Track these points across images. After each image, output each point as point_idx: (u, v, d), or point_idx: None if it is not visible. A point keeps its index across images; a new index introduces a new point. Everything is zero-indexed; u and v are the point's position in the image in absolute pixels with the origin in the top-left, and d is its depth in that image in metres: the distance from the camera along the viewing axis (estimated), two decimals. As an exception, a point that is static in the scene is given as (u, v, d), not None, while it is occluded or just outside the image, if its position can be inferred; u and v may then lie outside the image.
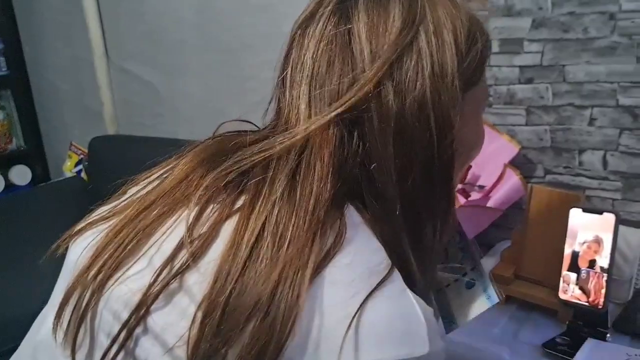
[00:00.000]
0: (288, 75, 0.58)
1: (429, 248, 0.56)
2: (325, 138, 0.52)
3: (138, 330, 0.50)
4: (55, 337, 0.55)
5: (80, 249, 0.57)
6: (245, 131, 0.60)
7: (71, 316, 0.54)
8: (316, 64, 0.55)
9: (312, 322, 0.45)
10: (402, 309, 0.47)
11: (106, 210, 0.60)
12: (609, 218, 0.87)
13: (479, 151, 0.64)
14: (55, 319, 0.55)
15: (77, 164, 2.05)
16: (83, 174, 2.02)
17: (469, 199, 1.09)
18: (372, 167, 0.52)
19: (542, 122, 1.19)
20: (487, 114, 1.24)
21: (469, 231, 1.12)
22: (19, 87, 2.29)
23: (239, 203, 0.53)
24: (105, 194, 0.63)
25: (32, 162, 2.34)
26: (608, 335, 0.89)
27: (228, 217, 0.52)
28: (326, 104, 0.54)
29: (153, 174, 0.61)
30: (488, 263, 1.12)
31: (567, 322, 0.93)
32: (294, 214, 0.49)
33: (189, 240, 0.51)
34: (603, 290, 0.88)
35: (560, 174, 1.19)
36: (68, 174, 2.08)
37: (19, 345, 0.62)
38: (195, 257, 0.50)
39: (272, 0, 1.53)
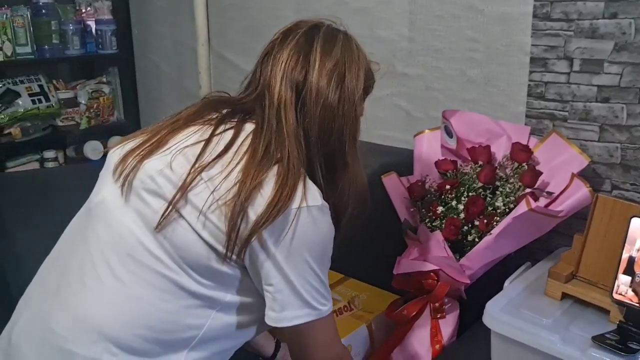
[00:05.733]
0: (270, 64, 0.95)
1: (344, 189, 0.97)
2: (289, 101, 0.92)
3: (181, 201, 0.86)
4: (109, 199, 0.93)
5: (118, 152, 0.95)
6: (227, 93, 1.03)
7: (121, 181, 0.91)
8: (289, 60, 0.93)
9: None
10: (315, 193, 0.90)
11: (133, 135, 0.98)
12: (667, 229, 0.95)
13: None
14: (107, 187, 0.94)
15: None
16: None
17: (537, 203, 1.18)
18: (306, 121, 0.92)
19: (614, 140, 1.26)
20: (562, 128, 1.33)
21: (531, 234, 1.22)
22: (125, 65, 2.51)
23: (248, 127, 0.93)
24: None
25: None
26: (655, 337, 0.97)
27: (240, 131, 0.92)
28: (289, 82, 0.92)
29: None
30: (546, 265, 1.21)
31: (617, 322, 1.01)
32: (287, 142, 0.89)
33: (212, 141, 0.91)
34: (655, 295, 0.96)
35: (627, 190, 1.26)
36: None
37: None
38: (220, 155, 0.89)
39: (368, 4, 1.66)
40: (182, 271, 0.87)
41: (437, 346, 1.25)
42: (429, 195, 1.32)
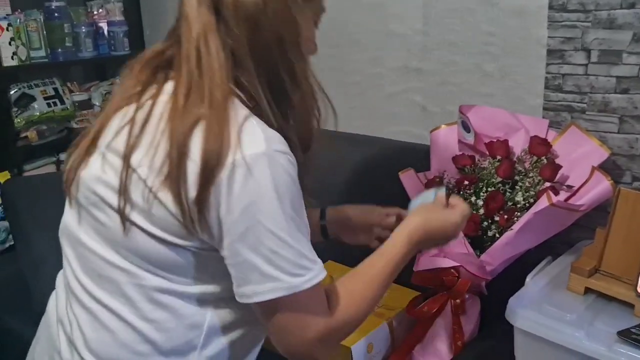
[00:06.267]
0: None
1: (296, 97, 0.81)
2: (209, 26, 0.77)
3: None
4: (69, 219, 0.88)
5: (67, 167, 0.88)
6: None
7: (71, 201, 0.86)
8: None
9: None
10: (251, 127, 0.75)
11: (81, 137, 0.88)
12: (693, 221, 0.93)
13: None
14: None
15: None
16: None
17: (558, 197, 1.17)
18: (232, 42, 0.77)
19: (634, 131, 1.25)
20: (580, 120, 1.31)
21: (552, 229, 1.21)
22: (138, 66, 2.52)
23: (168, 86, 0.79)
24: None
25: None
26: (681, 331, 0.96)
27: (159, 94, 0.79)
28: (204, 3, 0.78)
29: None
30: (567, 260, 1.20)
31: (642, 316, 1.00)
32: (209, 80, 0.75)
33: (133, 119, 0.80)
34: (681, 289, 0.94)
35: (648, 181, 1.25)
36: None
37: None
38: (142, 133, 0.78)
39: (383, 0, 1.65)
40: (156, 275, 0.79)
41: (459, 342, 1.24)
42: (447, 192, 1.31)
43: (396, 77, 1.66)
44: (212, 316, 0.82)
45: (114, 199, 0.78)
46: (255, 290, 0.75)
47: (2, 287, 1.89)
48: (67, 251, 0.87)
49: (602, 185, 1.17)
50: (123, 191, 0.77)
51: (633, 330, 0.97)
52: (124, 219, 0.77)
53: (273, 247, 0.73)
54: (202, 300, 0.82)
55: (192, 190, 0.73)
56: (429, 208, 0.96)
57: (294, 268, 0.74)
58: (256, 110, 0.78)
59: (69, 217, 0.87)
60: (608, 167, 1.26)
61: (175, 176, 0.73)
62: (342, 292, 0.82)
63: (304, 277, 0.75)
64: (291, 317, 0.77)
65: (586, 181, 1.20)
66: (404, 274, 1.33)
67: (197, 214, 0.74)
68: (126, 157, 0.77)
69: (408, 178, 1.37)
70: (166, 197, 0.74)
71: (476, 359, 1.22)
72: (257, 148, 0.73)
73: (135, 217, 0.77)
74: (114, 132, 0.81)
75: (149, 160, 0.76)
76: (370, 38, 1.69)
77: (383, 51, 1.67)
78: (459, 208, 0.96)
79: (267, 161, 0.73)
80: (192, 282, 0.80)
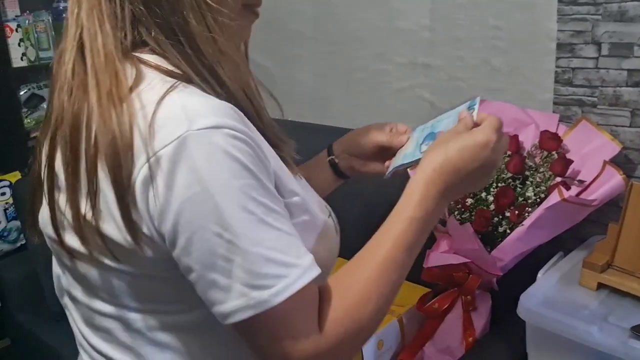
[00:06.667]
0: None
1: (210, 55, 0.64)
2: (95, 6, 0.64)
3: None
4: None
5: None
6: None
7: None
8: None
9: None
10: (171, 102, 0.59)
11: None
12: None
13: None
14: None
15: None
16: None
17: (569, 192, 1.16)
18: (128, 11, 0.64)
19: (646, 125, 1.24)
20: (591, 114, 1.30)
21: (564, 224, 1.20)
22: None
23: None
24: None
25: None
26: (696, 327, 0.95)
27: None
28: None
29: None
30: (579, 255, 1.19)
31: (656, 312, 0.99)
32: (88, 61, 0.63)
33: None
34: (695, 284, 0.93)
35: (661, 176, 1.24)
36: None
37: None
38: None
39: (388, -4, 1.64)
40: (142, 313, 0.66)
41: (470, 339, 1.24)
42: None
43: (403, 73, 1.65)
44: (236, 341, 0.64)
45: (67, 240, 0.66)
46: (222, 311, 0.59)
47: (15, 286, 1.91)
48: (67, 302, 0.77)
49: (614, 180, 1.16)
50: (56, 224, 0.66)
51: (647, 325, 0.97)
52: (72, 254, 0.66)
53: (226, 255, 0.57)
54: (211, 328, 0.65)
55: (114, 208, 0.59)
56: (447, 138, 0.72)
57: (256, 279, 0.57)
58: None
59: (55, 268, 0.77)
60: (620, 162, 1.25)
61: (73, 192, 0.61)
62: (337, 295, 0.63)
63: (274, 288, 0.57)
64: (270, 340, 0.60)
65: (598, 176, 1.19)
66: (414, 271, 1.33)
67: (130, 236, 0.59)
68: (50, 189, 0.66)
69: (417, 174, 1.36)
70: (91, 221, 0.61)
71: (487, 355, 1.21)
72: (175, 132, 0.56)
73: (82, 248, 0.65)
74: (45, 162, 0.69)
75: (66, 177, 0.64)
76: (374, 35, 1.68)
77: (388, 47, 1.66)
78: (486, 122, 0.72)
79: (194, 144, 0.56)
80: (187, 308, 0.66)
